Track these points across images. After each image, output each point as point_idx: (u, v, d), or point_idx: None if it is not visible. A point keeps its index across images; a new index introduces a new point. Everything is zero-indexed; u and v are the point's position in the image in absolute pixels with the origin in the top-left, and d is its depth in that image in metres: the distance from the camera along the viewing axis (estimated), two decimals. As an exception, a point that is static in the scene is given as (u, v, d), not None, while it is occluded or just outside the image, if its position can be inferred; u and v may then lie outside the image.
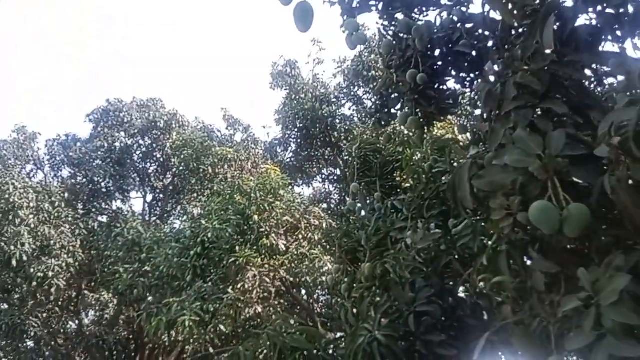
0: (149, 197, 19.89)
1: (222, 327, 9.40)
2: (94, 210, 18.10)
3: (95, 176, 17.81)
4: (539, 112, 2.64)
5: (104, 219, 18.51)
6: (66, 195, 16.73)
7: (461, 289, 5.16)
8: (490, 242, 2.73)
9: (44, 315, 15.80)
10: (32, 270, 13.32)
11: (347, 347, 4.07)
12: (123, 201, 19.46)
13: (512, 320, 2.36)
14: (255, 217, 10.02)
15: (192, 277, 9.94)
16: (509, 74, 2.72)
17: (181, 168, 17.15)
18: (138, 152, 19.60)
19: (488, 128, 2.71)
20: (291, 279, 10.32)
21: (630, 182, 1.83)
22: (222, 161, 15.12)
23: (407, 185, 7.60)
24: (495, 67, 2.83)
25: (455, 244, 4.63)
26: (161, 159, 19.35)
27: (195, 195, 17.35)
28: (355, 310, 4.29)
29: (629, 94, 1.78)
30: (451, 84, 5.52)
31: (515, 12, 3.88)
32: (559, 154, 2.31)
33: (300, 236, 10.91)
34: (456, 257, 4.71)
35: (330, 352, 4.90)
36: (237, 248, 9.90)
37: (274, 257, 10.24)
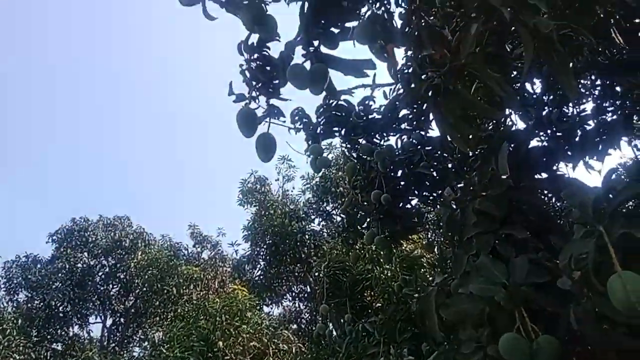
0: (109, 322, 18.78)
1: None
2: (48, 337, 16.87)
3: (53, 300, 16.85)
4: (500, 238, 2.64)
5: (58, 346, 17.21)
6: (19, 321, 15.64)
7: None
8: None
9: None
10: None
11: None
12: (81, 326, 18.29)
13: None
14: (220, 343, 9.45)
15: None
16: (467, 199, 2.76)
17: (145, 289, 16.46)
18: (100, 273, 18.84)
19: (452, 253, 2.68)
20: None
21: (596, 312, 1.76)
22: (187, 281, 14.60)
23: (378, 305, 7.41)
24: (454, 193, 2.86)
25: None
26: (124, 280, 18.59)
27: (158, 318, 16.47)
28: None
29: (585, 225, 1.78)
30: (415, 202, 5.66)
31: (470, 139, 4.08)
32: (523, 282, 2.27)
33: (269, 363, 10.27)
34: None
35: None
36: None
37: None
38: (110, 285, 18.90)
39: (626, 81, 5.33)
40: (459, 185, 2.83)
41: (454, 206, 2.80)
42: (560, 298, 2.13)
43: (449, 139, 3.41)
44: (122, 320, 18.75)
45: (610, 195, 1.79)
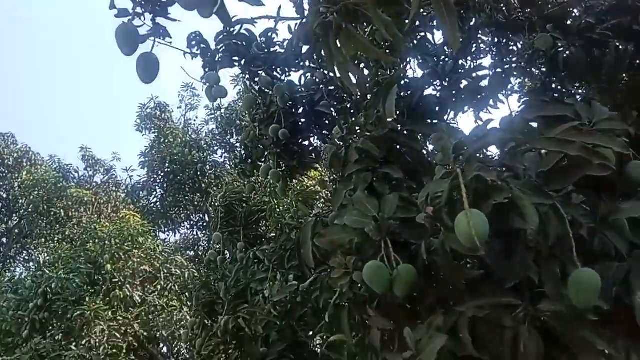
0: (-10, 241, 17.59)
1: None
2: None
3: None
4: (379, 176, 2.82)
5: None
6: None
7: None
8: (333, 299, 2.78)
9: None
10: None
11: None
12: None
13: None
14: (108, 266, 9.29)
15: (30, 332, 8.81)
16: (352, 138, 2.89)
17: (30, 210, 15.48)
18: (-21, 192, 17.38)
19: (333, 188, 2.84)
20: (145, 333, 9.60)
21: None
22: (77, 204, 13.95)
23: (272, 235, 7.63)
24: (341, 132, 2.98)
25: (312, 296, 4.68)
26: (7, 200, 17.33)
27: (44, 240, 15.68)
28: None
29: (446, 166, 1.97)
30: (314, 140, 5.78)
31: (365, 81, 4.20)
32: (392, 216, 2.47)
33: (159, 287, 10.31)
34: (311, 309, 4.75)
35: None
36: (87, 299, 9.04)
37: (128, 310, 9.50)
38: (-9, 204, 17.56)
39: (519, 40, 5.71)
40: (345, 125, 2.94)
41: (340, 143, 2.93)
42: (420, 232, 2.35)
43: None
44: (4, 240, 17.66)
45: (471, 142, 1.98)
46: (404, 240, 2.46)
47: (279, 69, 5.14)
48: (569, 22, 5.28)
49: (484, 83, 5.47)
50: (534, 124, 2.68)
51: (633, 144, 3.03)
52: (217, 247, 7.28)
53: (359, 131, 2.94)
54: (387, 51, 3.89)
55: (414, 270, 2.28)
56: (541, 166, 2.04)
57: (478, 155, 2.12)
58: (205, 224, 16.04)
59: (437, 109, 5.37)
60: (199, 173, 14.02)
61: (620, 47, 4.67)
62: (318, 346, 5.02)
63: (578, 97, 4.77)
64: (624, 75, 3.98)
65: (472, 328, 1.99)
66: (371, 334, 2.57)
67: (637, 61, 5.04)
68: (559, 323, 1.76)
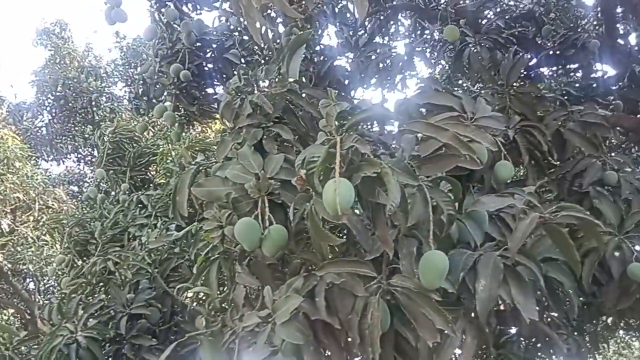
0: None
1: None
2: None
3: None
4: (269, 134, 2.77)
5: None
6: None
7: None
8: (204, 252, 2.73)
9: None
10: None
11: (42, 348, 3.64)
12: None
13: (205, 331, 2.38)
14: (-26, 187, 8.47)
15: None
16: (248, 91, 2.81)
17: None
18: None
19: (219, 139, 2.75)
20: (10, 265, 8.94)
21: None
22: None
23: (161, 182, 7.34)
24: (239, 82, 2.88)
25: (190, 248, 4.58)
26: None
27: None
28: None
29: (327, 133, 1.97)
30: (219, 90, 5.55)
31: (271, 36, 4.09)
32: (274, 177, 2.45)
33: (32, 218, 9.60)
34: (187, 262, 4.66)
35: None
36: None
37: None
38: None
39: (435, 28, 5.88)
40: (244, 76, 2.85)
41: (235, 94, 2.83)
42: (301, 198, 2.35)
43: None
44: None
45: (354, 113, 2.00)
46: (282, 201, 2.46)
47: (190, 4, 4.85)
48: (482, 22, 5.54)
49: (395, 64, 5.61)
50: (423, 110, 2.78)
51: (511, 147, 3.27)
52: (100, 184, 6.88)
53: (256, 85, 2.86)
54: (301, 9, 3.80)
55: (285, 231, 2.29)
56: (419, 151, 2.11)
57: (359, 127, 2.15)
58: (94, 160, 15.10)
59: (346, 82, 5.43)
60: (93, 103, 13.07)
61: (519, 54, 4.98)
62: (189, 299, 4.97)
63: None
64: (516, 81, 4.24)
65: (329, 294, 2.05)
66: (236, 290, 2.57)
67: (531, 72, 5.43)
68: (406, 298, 1.86)
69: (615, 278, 2.61)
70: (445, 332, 1.82)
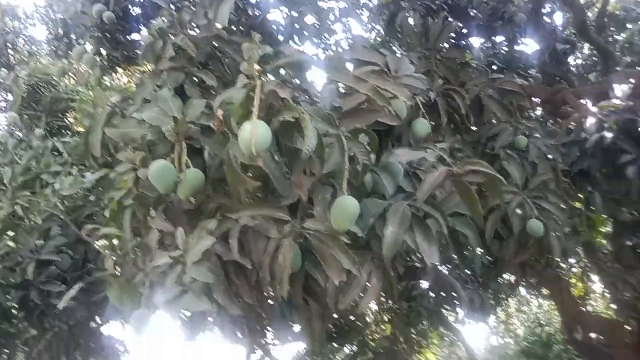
0: None
1: None
2: None
3: None
4: (191, 79, 2.69)
5: None
6: None
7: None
8: (117, 195, 2.64)
9: None
10: None
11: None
12: None
13: (114, 272, 2.34)
14: None
15: None
16: (172, 33, 2.70)
17: None
18: None
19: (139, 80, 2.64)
20: None
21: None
22: None
23: (80, 130, 6.97)
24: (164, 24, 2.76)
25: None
26: None
27: None
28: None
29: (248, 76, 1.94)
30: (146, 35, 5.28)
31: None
32: (194, 121, 2.40)
33: None
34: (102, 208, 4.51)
35: None
36: None
37: None
38: None
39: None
40: (170, 18, 2.73)
41: (158, 35, 2.72)
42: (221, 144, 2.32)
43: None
44: None
45: (277, 58, 1.98)
46: (201, 147, 2.42)
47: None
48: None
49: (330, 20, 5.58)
50: (351, 66, 2.80)
51: (432, 109, 3.37)
52: (11, 128, 6.43)
53: (181, 28, 2.75)
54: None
55: (202, 175, 2.25)
56: (343, 105, 2.14)
57: (280, 72, 2.15)
58: (7, 105, 14.03)
59: (279, 37, 5.35)
60: (9, 45, 12.03)
61: (449, 20, 5.09)
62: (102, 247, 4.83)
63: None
64: (444, 48, 4.34)
65: (243, 236, 2.07)
66: (150, 233, 2.52)
67: (461, 41, 5.59)
68: (317, 240, 1.91)
69: (515, 233, 2.81)
70: (352, 273, 1.90)
